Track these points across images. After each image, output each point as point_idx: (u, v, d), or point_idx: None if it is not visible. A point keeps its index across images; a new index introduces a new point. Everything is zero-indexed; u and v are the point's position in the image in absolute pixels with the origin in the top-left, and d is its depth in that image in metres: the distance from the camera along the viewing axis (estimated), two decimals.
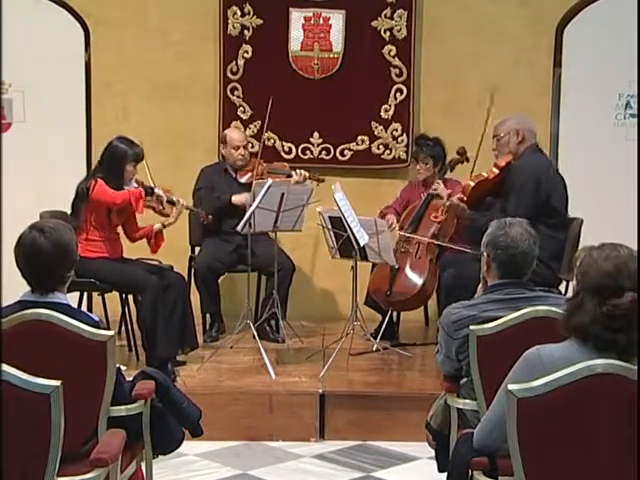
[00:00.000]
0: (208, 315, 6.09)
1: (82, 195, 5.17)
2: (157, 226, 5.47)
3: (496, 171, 5.27)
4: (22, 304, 3.15)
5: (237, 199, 5.92)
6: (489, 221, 5.10)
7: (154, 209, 5.47)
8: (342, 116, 6.63)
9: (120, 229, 5.47)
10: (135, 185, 5.34)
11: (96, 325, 3.16)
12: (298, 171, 5.96)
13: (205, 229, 6.11)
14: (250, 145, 6.54)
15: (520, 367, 2.65)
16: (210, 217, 5.75)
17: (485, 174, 5.32)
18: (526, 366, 2.63)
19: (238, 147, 6.08)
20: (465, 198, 5.35)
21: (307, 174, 5.96)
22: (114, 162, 5.25)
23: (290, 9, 6.58)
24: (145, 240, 5.51)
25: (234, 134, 6.18)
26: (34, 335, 3.08)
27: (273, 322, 6.00)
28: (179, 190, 5.76)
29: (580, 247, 2.71)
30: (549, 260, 5.08)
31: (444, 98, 6.68)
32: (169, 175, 5.87)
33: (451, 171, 5.97)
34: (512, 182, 5.17)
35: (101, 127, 6.33)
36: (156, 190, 5.40)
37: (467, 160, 5.88)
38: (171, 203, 5.45)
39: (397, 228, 5.95)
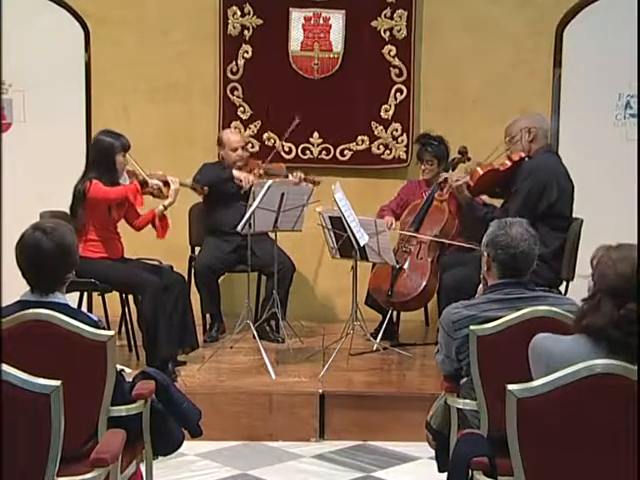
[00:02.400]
0: (208, 315, 6.09)
1: (79, 197, 5.17)
2: (159, 209, 5.41)
3: (508, 163, 5.25)
4: (22, 304, 3.16)
5: (239, 174, 5.91)
6: (486, 214, 5.16)
7: (152, 194, 5.47)
8: (342, 116, 6.63)
9: (120, 228, 5.46)
10: (126, 177, 5.35)
11: (96, 325, 3.17)
12: (295, 173, 5.98)
13: (205, 229, 6.13)
14: (250, 145, 6.54)
15: (530, 360, 2.66)
16: (205, 189, 5.78)
17: (497, 165, 5.30)
18: (532, 357, 2.63)
19: (236, 149, 6.08)
20: (472, 184, 5.33)
21: (303, 176, 5.97)
22: (104, 156, 5.24)
23: (290, 9, 6.58)
24: (145, 238, 5.50)
25: (232, 136, 6.16)
26: (34, 335, 3.08)
27: (273, 322, 6.00)
28: (179, 191, 5.76)
29: (598, 246, 2.65)
30: (550, 260, 5.08)
31: (444, 98, 6.68)
32: (169, 175, 5.85)
33: (453, 170, 5.96)
34: (521, 182, 5.13)
35: (101, 127, 6.29)
36: (149, 180, 5.38)
37: (469, 159, 5.89)
38: (166, 184, 5.45)
39: (398, 228, 5.95)
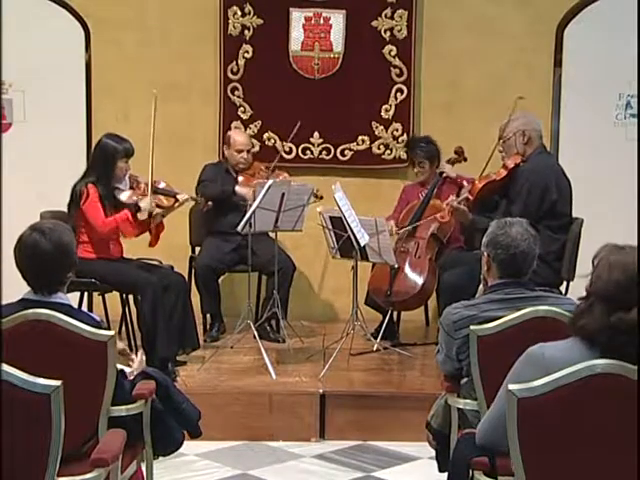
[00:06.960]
0: (208, 315, 6.10)
1: (75, 199, 5.17)
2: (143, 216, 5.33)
3: (504, 172, 5.26)
4: (24, 303, 3.16)
5: (241, 189, 5.93)
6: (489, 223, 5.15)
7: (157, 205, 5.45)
8: (342, 116, 6.63)
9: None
10: (127, 182, 5.34)
11: (97, 325, 3.17)
12: None
13: (206, 229, 6.13)
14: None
15: (522, 363, 2.64)
16: (210, 203, 5.73)
17: (493, 175, 5.31)
18: (528, 362, 2.61)
19: (241, 150, 6.07)
20: (472, 198, 5.34)
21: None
22: (105, 160, 5.23)
23: (290, 9, 6.58)
24: (145, 238, 5.49)
25: (238, 137, 6.16)
26: (34, 335, 3.08)
27: (273, 322, 6.00)
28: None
29: (603, 245, 2.60)
30: (550, 260, 5.08)
31: (444, 98, 6.68)
32: (169, 175, 5.85)
33: None
34: (520, 186, 5.14)
35: (101, 127, 6.30)
36: (142, 205, 5.30)
37: (465, 160, 5.90)
38: (171, 196, 5.44)
39: (395, 231, 5.95)
